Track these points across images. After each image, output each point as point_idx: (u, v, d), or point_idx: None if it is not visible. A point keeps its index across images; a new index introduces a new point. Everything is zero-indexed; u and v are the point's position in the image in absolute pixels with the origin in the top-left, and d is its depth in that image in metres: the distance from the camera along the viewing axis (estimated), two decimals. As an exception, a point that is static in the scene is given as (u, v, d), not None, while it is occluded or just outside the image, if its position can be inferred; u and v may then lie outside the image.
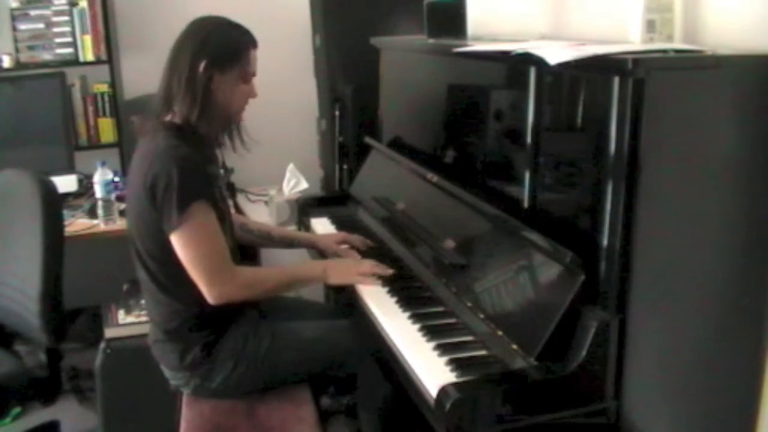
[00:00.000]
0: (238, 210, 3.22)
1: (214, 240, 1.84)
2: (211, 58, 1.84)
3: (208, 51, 1.84)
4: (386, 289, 1.95)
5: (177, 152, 1.79)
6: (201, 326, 1.91)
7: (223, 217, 1.93)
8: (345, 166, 3.00)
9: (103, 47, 3.27)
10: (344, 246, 2.24)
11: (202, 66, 1.84)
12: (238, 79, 1.89)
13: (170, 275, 1.88)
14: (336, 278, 2.02)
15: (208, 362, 1.92)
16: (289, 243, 2.35)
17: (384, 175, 2.45)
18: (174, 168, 1.76)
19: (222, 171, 3.22)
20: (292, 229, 2.77)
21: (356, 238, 2.27)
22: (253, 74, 1.94)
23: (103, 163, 2.83)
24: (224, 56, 1.86)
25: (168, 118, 1.89)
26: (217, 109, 1.88)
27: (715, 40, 1.62)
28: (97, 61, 3.28)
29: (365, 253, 2.18)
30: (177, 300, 1.90)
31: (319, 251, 2.29)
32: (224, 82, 1.87)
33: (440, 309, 1.81)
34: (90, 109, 3.36)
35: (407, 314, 1.80)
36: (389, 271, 2.00)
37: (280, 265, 2.59)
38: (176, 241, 1.80)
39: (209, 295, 1.84)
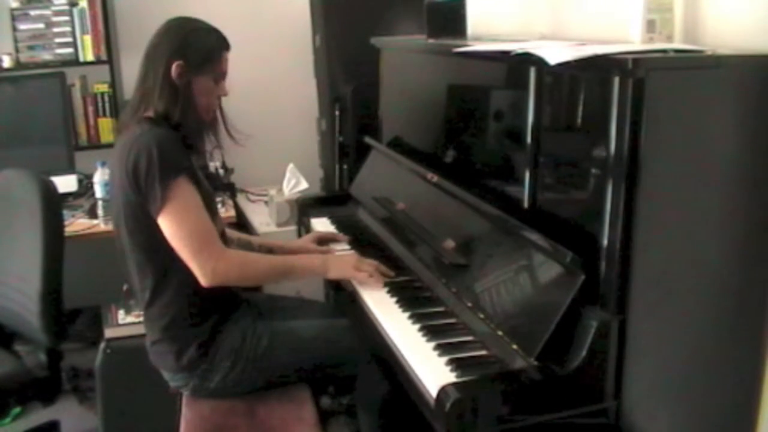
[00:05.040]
0: (238, 210, 3.22)
1: (199, 215, 1.84)
2: (188, 60, 1.89)
3: (185, 53, 1.89)
4: (386, 289, 1.94)
5: (154, 133, 1.83)
6: (193, 323, 1.92)
7: (209, 201, 1.94)
8: (345, 166, 3.00)
9: (103, 47, 3.27)
10: (325, 246, 2.27)
11: (177, 67, 1.88)
12: (211, 80, 1.95)
13: (157, 267, 1.88)
14: (335, 272, 2.00)
15: (206, 362, 1.92)
16: (267, 250, 2.34)
17: (384, 175, 2.45)
18: (153, 146, 1.79)
19: (222, 171, 3.24)
20: (290, 228, 2.77)
21: (330, 234, 2.29)
22: (225, 75, 1.99)
23: (103, 163, 2.83)
24: (201, 59, 1.91)
25: (146, 114, 1.92)
26: (196, 108, 1.94)
27: (715, 40, 1.62)
28: (97, 61, 3.29)
29: (366, 253, 2.18)
30: (164, 294, 1.90)
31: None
32: (200, 83, 1.92)
33: (440, 309, 1.81)
34: (90, 109, 3.36)
35: (407, 314, 1.80)
36: (390, 274, 1.99)
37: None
38: (163, 220, 1.82)
39: (202, 274, 1.83)
